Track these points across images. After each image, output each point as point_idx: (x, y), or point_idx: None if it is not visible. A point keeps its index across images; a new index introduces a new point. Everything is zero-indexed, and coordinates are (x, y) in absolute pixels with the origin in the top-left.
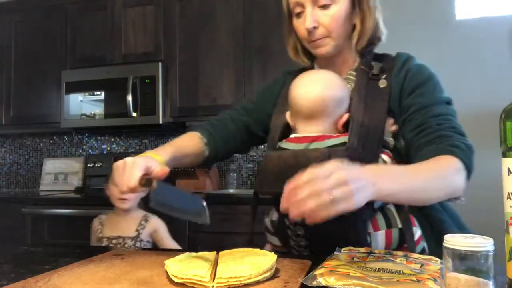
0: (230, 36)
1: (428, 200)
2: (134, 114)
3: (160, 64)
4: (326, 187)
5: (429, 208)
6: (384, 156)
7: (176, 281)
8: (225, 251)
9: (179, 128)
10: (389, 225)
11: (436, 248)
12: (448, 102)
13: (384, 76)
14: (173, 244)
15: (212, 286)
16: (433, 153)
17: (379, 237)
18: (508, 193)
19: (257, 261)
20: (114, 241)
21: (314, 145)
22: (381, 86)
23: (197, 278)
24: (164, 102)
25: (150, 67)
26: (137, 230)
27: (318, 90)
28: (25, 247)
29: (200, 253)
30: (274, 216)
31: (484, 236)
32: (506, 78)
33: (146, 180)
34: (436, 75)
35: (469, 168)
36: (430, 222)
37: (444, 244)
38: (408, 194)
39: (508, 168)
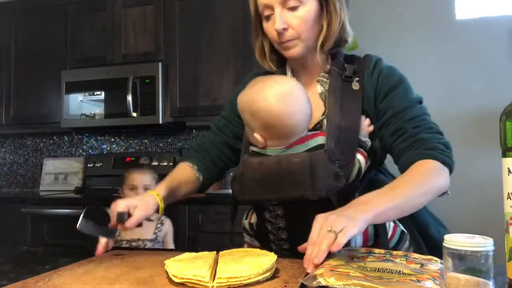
0: (230, 36)
1: (415, 208)
2: (134, 114)
3: (160, 64)
4: (328, 228)
5: (424, 223)
6: (359, 156)
7: (176, 281)
8: (225, 251)
9: (179, 128)
10: None
11: (418, 248)
12: (420, 102)
13: (356, 79)
14: (172, 246)
15: (212, 286)
16: (413, 158)
17: (357, 236)
18: (508, 193)
19: (257, 261)
20: (134, 244)
21: (294, 148)
22: (354, 88)
23: (197, 278)
24: (164, 102)
25: (150, 67)
26: (155, 233)
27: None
28: (25, 247)
29: (200, 253)
30: (253, 219)
31: (484, 236)
32: (506, 78)
33: (120, 215)
34: (405, 77)
35: (449, 165)
36: (413, 221)
37: (444, 244)
38: (395, 211)
39: (508, 168)
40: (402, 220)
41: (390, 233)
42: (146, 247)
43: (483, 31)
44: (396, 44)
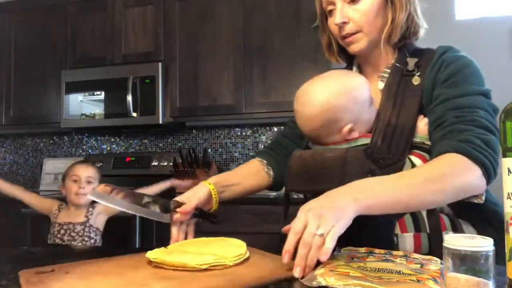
0: (230, 36)
1: (426, 206)
2: (134, 114)
3: (160, 64)
4: (312, 233)
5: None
6: (414, 158)
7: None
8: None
9: (179, 128)
10: (417, 228)
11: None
12: (483, 94)
13: (418, 73)
14: (101, 228)
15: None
16: (442, 149)
17: (407, 239)
18: (508, 193)
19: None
20: (65, 227)
21: (343, 145)
22: (415, 83)
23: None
24: (164, 102)
25: (150, 67)
26: (86, 216)
27: (308, 111)
28: (25, 247)
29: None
30: None
31: (484, 236)
32: (506, 78)
33: (175, 203)
34: (475, 65)
35: (483, 165)
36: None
37: (444, 244)
38: (399, 203)
39: (508, 168)
40: (468, 216)
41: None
42: (76, 230)
43: (483, 31)
44: None
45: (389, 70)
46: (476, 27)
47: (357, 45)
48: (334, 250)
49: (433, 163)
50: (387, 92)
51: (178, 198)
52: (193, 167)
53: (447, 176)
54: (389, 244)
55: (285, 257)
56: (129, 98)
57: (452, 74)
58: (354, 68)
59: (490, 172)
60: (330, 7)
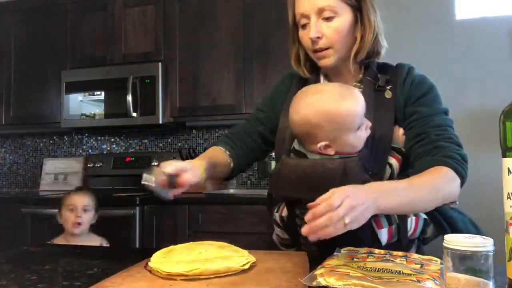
0: (230, 36)
1: (424, 209)
2: (134, 114)
3: (160, 64)
4: (339, 216)
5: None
6: (392, 160)
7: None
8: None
9: (179, 128)
10: (390, 222)
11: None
12: (446, 113)
13: (389, 87)
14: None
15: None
16: (430, 164)
17: (383, 234)
18: (508, 193)
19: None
20: None
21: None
22: (387, 97)
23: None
24: (164, 102)
25: (150, 67)
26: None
27: (301, 114)
28: (25, 247)
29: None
30: (284, 212)
31: (484, 236)
32: (506, 78)
33: (170, 177)
34: (435, 86)
35: (462, 176)
36: (446, 220)
37: (444, 244)
38: (407, 207)
39: (508, 168)
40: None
41: (412, 228)
42: None
43: (483, 31)
44: (396, 44)
45: (359, 84)
46: (476, 27)
47: (328, 60)
48: (334, 250)
49: (431, 174)
50: (367, 106)
51: (170, 168)
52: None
53: (443, 185)
54: (367, 241)
55: (306, 228)
56: (129, 98)
57: (423, 94)
58: (322, 78)
59: (464, 181)
60: (304, 21)
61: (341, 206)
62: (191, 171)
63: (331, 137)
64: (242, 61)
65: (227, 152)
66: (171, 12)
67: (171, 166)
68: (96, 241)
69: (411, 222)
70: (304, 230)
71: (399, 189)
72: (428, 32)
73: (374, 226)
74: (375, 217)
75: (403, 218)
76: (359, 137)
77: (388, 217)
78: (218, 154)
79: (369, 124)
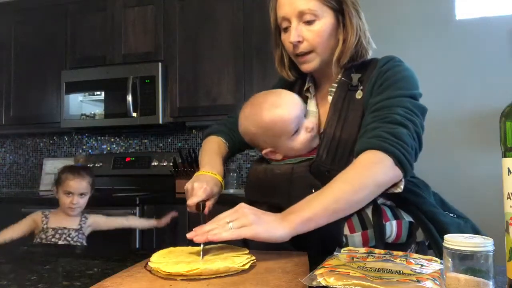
0: (230, 36)
1: (353, 207)
2: (134, 114)
3: (160, 64)
4: (223, 217)
5: (430, 211)
6: None
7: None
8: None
9: (179, 128)
10: (364, 226)
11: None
12: (410, 96)
13: (361, 87)
14: (119, 221)
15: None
16: (356, 151)
17: (356, 238)
18: (508, 193)
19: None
20: (59, 231)
21: (288, 160)
22: (358, 97)
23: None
24: (164, 102)
25: (150, 67)
26: (79, 224)
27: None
28: (25, 247)
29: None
30: None
31: (484, 236)
32: (506, 78)
33: (202, 205)
34: (408, 72)
35: (393, 154)
36: (434, 224)
37: (444, 244)
38: (326, 215)
39: (508, 168)
40: (409, 210)
41: (395, 232)
42: (71, 235)
43: (483, 31)
44: (396, 44)
45: (336, 85)
46: (476, 27)
47: (310, 65)
48: (333, 250)
49: (350, 166)
50: (334, 107)
51: (199, 195)
52: (193, 167)
53: (362, 172)
54: (339, 244)
55: (190, 234)
56: (129, 98)
57: (382, 82)
58: (308, 80)
59: (402, 161)
60: (285, 24)
61: (227, 212)
62: (216, 191)
63: (271, 144)
64: (242, 61)
65: (227, 144)
66: (171, 12)
67: (196, 198)
68: (79, 216)
69: (391, 226)
70: (188, 235)
71: (310, 199)
72: (428, 32)
73: (346, 231)
74: (347, 219)
75: (379, 222)
76: (299, 140)
77: (362, 221)
78: (223, 149)
79: (310, 125)
